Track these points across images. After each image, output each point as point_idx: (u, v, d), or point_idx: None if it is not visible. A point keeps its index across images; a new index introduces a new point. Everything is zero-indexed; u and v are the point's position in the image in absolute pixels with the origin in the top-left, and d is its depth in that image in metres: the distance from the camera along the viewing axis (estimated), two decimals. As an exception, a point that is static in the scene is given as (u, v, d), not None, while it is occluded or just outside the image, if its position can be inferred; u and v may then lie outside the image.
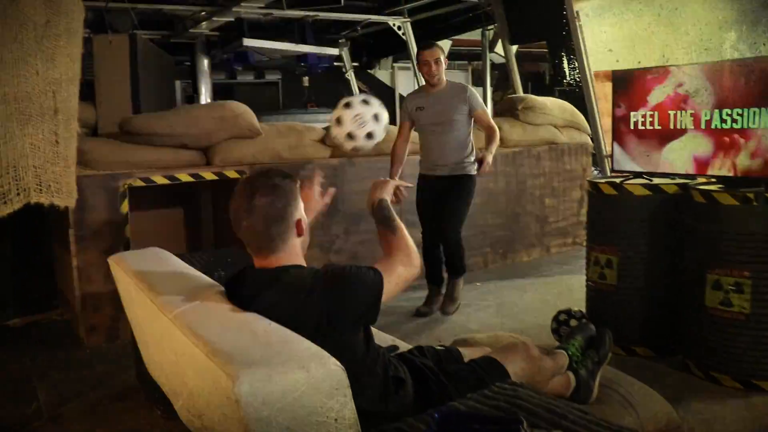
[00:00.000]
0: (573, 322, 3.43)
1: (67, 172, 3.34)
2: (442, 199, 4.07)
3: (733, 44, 5.00)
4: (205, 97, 10.09)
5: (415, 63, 3.66)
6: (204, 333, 1.45)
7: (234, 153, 4.30)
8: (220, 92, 11.23)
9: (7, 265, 4.20)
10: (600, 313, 3.44)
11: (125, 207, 3.82)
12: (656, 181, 3.36)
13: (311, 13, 8.49)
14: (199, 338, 1.43)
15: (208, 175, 4.14)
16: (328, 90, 12.42)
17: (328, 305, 1.51)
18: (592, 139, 6.03)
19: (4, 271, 4.19)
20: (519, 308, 4.25)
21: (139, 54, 4.69)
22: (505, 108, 5.96)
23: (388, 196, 1.94)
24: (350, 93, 10.57)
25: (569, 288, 4.55)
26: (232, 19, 8.04)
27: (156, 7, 7.64)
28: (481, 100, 4.15)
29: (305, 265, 1.68)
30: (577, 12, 6.60)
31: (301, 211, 1.67)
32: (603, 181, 3.49)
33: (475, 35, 10.30)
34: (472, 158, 4.10)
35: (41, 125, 3.06)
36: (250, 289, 1.60)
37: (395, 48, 10.38)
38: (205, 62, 9.94)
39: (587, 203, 3.62)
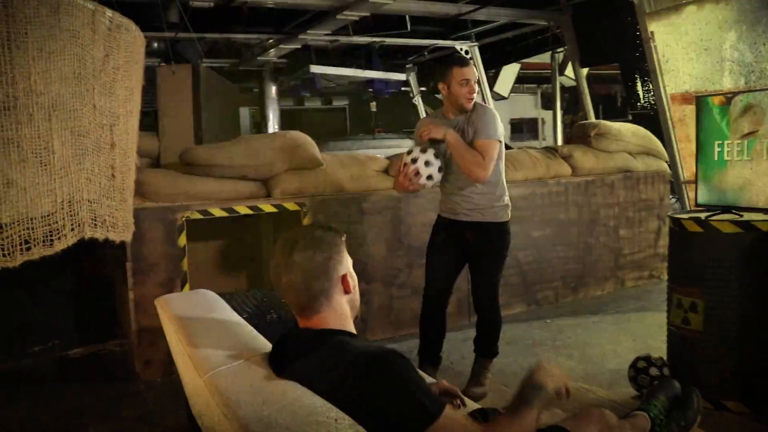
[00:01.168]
0: (653, 371, 3.14)
1: (123, 205, 3.31)
2: (466, 253, 3.38)
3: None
4: (272, 123, 10.24)
5: (446, 83, 3.16)
6: (234, 401, 1.30)
7: (294, 184, 4.21)
8: (287, 118, 11.36)
9: (69, 295, 4.23)
10: (684, 361, 3.13)
11: (183, 240, 3.77)
12: (747, 216, 3.05)
13: (377, 39, 8.48)
14: (229, 408, 1.28)
15: (267, 208, 4.05)
16: (396, 115, 12.36)
17: (362, 396, 1.29)
18: (669, 165, 5.66)
19: (66, 301, 4.22)
20: (592, 350, 3.95)
21: (202, 83, 4.68)
22: (577, 135, 5.68)
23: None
24: (418, 117, 10.45)
25: (646, 328, 4.22)
26: (299, 46, 8.08)
27: (225, 36, 7.75)
28: (495, 128, 3.16)
29: (353, 330, 1.51)
30: (651, 32, 6.31)
31: (348, 266, 1.51)
32: (686, 216, 3.19)
33: (544, 58, 10.06)
34: (504, 200, 3.35)
35: (97, 159, 3.03)
36: (290, 351, 1.45)
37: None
38: (273, 89, 10.08)
39: (668, 240, 3.32)
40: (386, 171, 4.59)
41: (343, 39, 8.13)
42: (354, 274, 1.55)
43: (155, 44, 7.37)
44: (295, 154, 4.21)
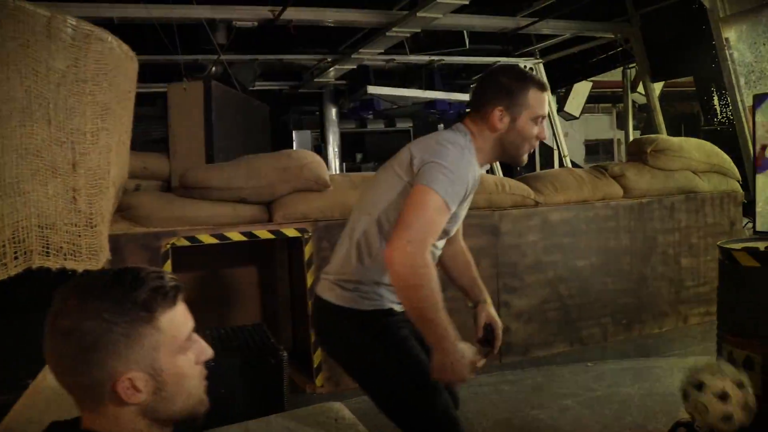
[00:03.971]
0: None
1: (91, 231, 3.03)
2: None
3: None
4: (332, 146, 10.09)
5: (513, 110, 1.85)
6: None
7: (299, 208, 3.83)
8: (349, 141, 11.15)
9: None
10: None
11: (167, 268, 3.45)
12: (818, 248, 2.42)
13: (436, 58, 8.20)
14: None
15: (263, 234, 3.69)
16: (463, 138, 11.91)
17: None
18: (742, 186, 4.94)
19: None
20: (633, 404, 3.33)
21: (215, 101, 4.42)
22: (633, 152, 5.06)
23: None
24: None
25: (707, 377, 3.55)
26: (355, 67, 7.85)
27: (277, 57, 7.61)
28: (430, 172, 1.75)
29: None
30: (726, 39, 5.65)
31: (150, 360, 0.99)
32: (739, 247, 2.58)
33: (617, 75, 9.43)
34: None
35: (53, 180, 2.76)
36: None
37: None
38: (333, 111, 9.95)
39: (718, 276, 2.71)
40: (405, 193, 4.14)
41: (399, 58, 7.95)
42: (172, 361, 1.00)
43: (213, 68, 7.24)
44: (299, 175, 3.84)
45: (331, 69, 7.88)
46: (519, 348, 4.22)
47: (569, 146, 9.51)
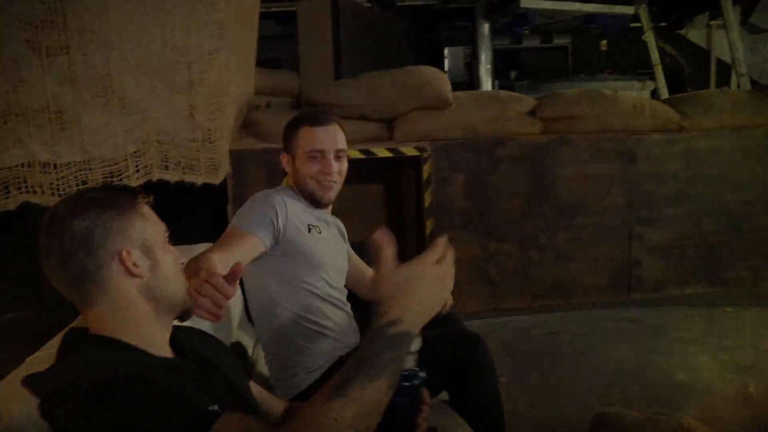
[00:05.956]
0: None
1: (209, 147, 3.18)
2: None
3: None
4: (484, 64, 9.76)
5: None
6: None
7: (419, 126, 3.77)
8: (502, 58, 10.72)
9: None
10: None
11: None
12: None
13: (597, -34, 7.51)
14: None
15: (381, 152, 3.68)
16: (628, 55, 11.00)
17: None
18: None
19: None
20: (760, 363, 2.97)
21: (342, 18, 4.39)
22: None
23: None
24: (650, 58, 9.12)
25: None
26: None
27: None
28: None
29: (139, 339, 1.05)
30: None
31: (137, 239, 1.06)
32: None
33: None
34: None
35: (171, 99, 2.91)
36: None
37: (711, 2, 8.61)
38: (486, 27, 9.55)
39: None
40: (533, 113, 3.91)
41: (557, -31, 7.37)
42: (160, 250, 1.08)
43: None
44: (420, 92, 3.75)
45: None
46: (650, 284, 3.94)
47: (757, 65, 8.36)
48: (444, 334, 1.81)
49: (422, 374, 0.99)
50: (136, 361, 1.00)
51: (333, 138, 1.83)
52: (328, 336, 1.81)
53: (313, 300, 1.81)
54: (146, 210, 1.10)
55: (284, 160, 1.89)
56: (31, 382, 1.00)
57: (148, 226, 1.08)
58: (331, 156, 1.82)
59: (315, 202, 1.86)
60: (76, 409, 0.89)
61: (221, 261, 1.48)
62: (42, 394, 0.96)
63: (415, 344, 0.95)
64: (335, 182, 1.85)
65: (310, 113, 1.91)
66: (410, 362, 0.97)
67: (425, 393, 1.04)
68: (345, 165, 1.87)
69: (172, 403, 0.90)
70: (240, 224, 1.72)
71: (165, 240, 1.12)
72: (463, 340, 1.85)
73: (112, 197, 1.06)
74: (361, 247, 3.19)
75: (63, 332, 1.14)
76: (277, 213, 1.74)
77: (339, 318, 1.86)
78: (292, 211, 1.78)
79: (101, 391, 0.89)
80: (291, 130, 1.86)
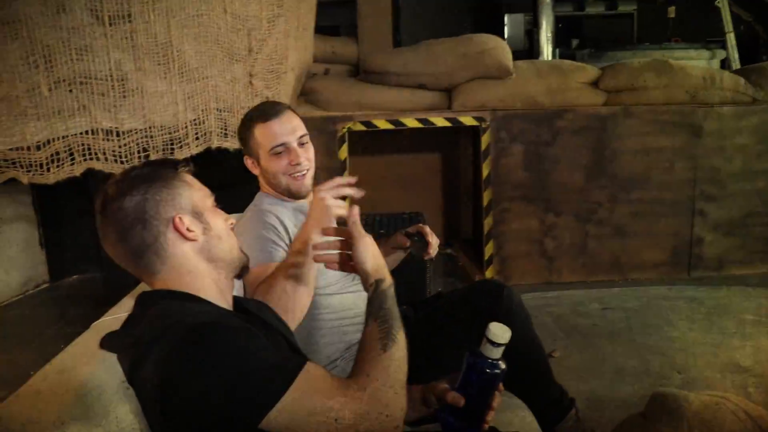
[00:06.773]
0: None
1: (268, 114, 3.21)
2: None
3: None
4: (545, 31, 9.49)
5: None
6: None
7: (478, 96, 3.71)
8: (564, 26, 10.40)
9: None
10: None
11: (344, 152, 3.59)
12: None
13: None
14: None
15: (439, 122, 3.64)
16: (697, 22, 10.51)
17: (161, 379, 0.94)
18: None
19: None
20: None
21: (402, -16, 4.32)
22: None
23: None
24: (723, 25, 8.71)
25: None
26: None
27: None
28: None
29: (210, 293, 1.11)
30: None
31: (187, 205, 1.12)
32: None
33: None
34: None
35: (230, 66, 2.94)
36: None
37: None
38: (548, -7, 9.27)
39: None
40: (596, 83, 3.80)
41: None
42: (209, 213, 1.13)
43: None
44: (479, 61, 3.69)
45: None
46: (711, 262, 3.81)
47: None
48: (464, 291, 1.82)
49: (503, 366, 1.10)
50: (219, 312, 1.07)
51: (290, 127, 1.73)
52: (337, 327, 1.76)
53: (319, 299, 1.72)
54: (189, 178, 1.16)
55: (249, 162, 1.80)
56: (107, 341, 1.07)
57: (194, 192, 1.14)
58: (295, 145, 1.72)
59: (293, 196, 1.78)
60: (174, 349, 0.94)
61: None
62: (123, 347, 1.02)
63: (503, 337, 1.08)
64: (307, 170, 1.75)
65: (257, 109, 1.82)
66: (497, 354, 1.08)
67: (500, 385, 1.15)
68: (311, 150, 1.78)
69: (266, 346, 0.98)
70: (262, 260, 1.60)
71: (212, 204, 1.17)
72: (485, 291, 1.84)
73: (156, 171, 1.12)
74: (417, 219, 3.17)
75: (127, 296, 1.19)
76: (279, 234, 1.69)
77: (345, 304, 1.78)
78: (286, 222, 1.72)
79: (201, 332, 0.95)
80: (245, 132, 1.78)
